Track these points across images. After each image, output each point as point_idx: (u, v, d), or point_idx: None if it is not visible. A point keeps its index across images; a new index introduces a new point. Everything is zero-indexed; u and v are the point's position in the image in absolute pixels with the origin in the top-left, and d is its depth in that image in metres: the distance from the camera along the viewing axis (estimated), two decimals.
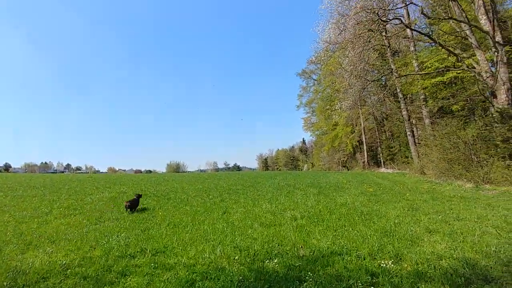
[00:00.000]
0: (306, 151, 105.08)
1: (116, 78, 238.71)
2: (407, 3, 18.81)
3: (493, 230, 5.56)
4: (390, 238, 5.19)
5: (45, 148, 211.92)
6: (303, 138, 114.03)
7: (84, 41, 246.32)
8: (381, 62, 31.31)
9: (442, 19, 16.58)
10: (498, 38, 14.26)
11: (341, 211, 7.87)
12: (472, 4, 15.99)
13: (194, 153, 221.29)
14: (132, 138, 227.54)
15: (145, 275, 3.97)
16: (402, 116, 27.73)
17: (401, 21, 17.24)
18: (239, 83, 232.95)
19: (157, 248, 5.11)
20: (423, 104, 24.68)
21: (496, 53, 14.21)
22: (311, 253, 4.57)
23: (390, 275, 3.64)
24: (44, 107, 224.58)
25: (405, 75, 23.63)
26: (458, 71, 18.51)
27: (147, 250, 4.99)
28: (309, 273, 3.79)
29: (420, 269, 3.79)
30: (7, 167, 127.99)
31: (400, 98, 27.09)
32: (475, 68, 15.34)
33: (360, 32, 16.81)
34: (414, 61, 24.33)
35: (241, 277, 3.70)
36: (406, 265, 3.96)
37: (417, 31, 20.31)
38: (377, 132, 43.03)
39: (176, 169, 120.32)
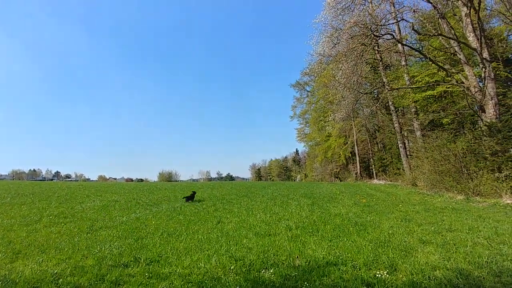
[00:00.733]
0: (299, 161, 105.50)
1: (106, 85, 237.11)
2: (398, 19, 19.37)
3: (484, 241, 5.65)
4: (385, 248, 5.23)
5: (33, 155, 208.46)
6: (297, 149, 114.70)
7: (73, 47, 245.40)
8: (373, 76, 31.94)
9: (432, 35, 17.10)
10: (486, 54, 14.75)
11: (336, 222, 7.90)
12: (461, 22, 16.56)
13: (186, 162, 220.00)
14: (123, 146, 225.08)
15: (139, 284, 3.92)
16: (394, 128, 28.17)
17: (393, 36, 17.73)
18: (233, 92, 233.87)
19: (151, 257, 5.05)
20: (414, 117, 25.15)
21: (483, 69, 14.68)
22: (307, 263, 4.57)
23: (386, 285, 3.66)
24: (30, 113, 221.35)
25: (396, 88, 24.13)
26: (448, 86, 19.00)
27: (141, 259, 4.92)
28: (305, 283, 3.79)
29: (415, 279, 3.83)
30: None
31: (392, 110, 27.58)
32: (464, 83, 15.79)
33: (353, 46, 17.21)
34: (405, 75, 24.91)
35: (237, 287, 3.68)
36: (401, 276, 3.99)
37: (408, 46, 20.89)
38: (369, 144, 43.49)
39: (168, 178, 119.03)
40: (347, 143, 47.45)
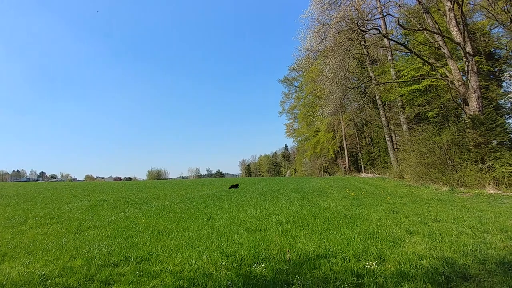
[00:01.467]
0: (289, 157, 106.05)
1: (91, 83, 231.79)
2: (384, 14, 19.60)
3: (469, 230, 5.82)
4: (373, 240, 5.33)
5: (15, 155, 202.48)
6: (286, 144, 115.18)
7: (58, 43, 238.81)
8: (360, 70, 32.28)
9: (417, 30, 17.35)
10: (469, 48, 15.07)
11: (325, 215, 7.99)
12: (444, 17, 16.84)
13: (175, 159, 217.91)
14: (111, 145, 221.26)
15: (130, 283, 3.88)
16: (381, 122, 28.60)
17: (379, 31, 17.91)
18: (222, 88, 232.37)
19: (142, 255, 5.00)
20: (400, 111, 25.58)
21: (467, 62, 15.00)
22: (298, 257, 4.62)
23: (375, 276, 3.73)
24: (10, 112, 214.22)
25: (383, 83, 24.45)
26: (433, 80, 19.37)
27: (131, 258, 4.88)
28: (296, 276, 3.83)
29: (402, 269, 3.92)
30: None
31: (379, 105, 27.97)
32: (448, 77, 16.11)
33: (340, 41, 17.32)
34: (391, 70, 25.25)
35: (229, 282, 3.68)
36: (389, 266, 4.08)
37: (394, 40, 21.14)
38: (357, 138, 44.08)
39: (157, 176, 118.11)
40: (335, 137, 47.94)
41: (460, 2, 15.18)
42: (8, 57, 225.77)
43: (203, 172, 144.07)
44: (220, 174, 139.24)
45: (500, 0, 19.42)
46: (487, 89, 21.46)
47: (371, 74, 27.28)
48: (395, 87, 24.75)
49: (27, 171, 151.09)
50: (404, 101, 25.68)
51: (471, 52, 15.12)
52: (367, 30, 17.61)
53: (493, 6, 19.99)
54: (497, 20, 21.87)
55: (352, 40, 17.30)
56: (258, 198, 13.22)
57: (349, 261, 4.32)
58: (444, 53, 16.64)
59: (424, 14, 17.37)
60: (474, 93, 14.64)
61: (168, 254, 5.09)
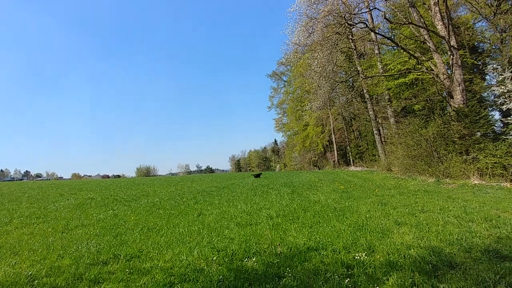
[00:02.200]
0: (278, 151, 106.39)
1: (77, 79, 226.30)
2: (371, 8, 19.70)
3: (454, 220, 5.96)
4: (363, 231, 5.41)
5: None
6: (275, 139, 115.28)
7: (43, 39, 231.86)
8: (348, 64, 32.50)
9: (403, 24, 17.54)
10: (453, 42, 15.34)
11: (315, 209, 8.06)
12: (430, 11, 17.06)
13: (164, 156, 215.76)
14: (97, 142, 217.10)
15: (120, 281, 3.84)
16: (369, 116, 28.94)
17: (366, 25, 18.02)
18: (211, 84, 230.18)
19: (131, 253, 4.94)
20: (388, 104, 25.94)
21: (451, 56, 15.28)
22: (289, 250, 4.65)
23: (365, 266, 3.79)
24: None
25: (370, 77, 24.70)
26: (419, 73, 19.67)
27: (120, 255, 4.81)
28: (287, 269, 3.85)
29: (391, 259, 3.99)
30: None
31: (367, 98, 28.28)
32: (433, 70, 16.39)
33: (328, 35, 17.36)
34: (378, 64, 25.52)
35: (220, 277, 3.68)
36: (378, 256, 4.15)
37: (380, 34, 21.33)
38: (346, 132, 44.54)
39: (146, 173, 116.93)
40: (324, 131, 48.35)
41: None
42: None
43: (193, 168, 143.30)
44: (210, 170, 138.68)
45: None
46: (471, 82, 21.94)
47: (358, 68, 27.50)
48: (382, 80, 25.04)
49: (11, 171, 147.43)
50: (391, 94, 26.03)
51: (456, 46, 15.39)
52: (354, 24, 17.70)
53: (477, 0, 20.37)
54: (480, 14, 22.32)
55: (340, 34, 17.36)
56: (249, 193, 13.24)
57: (339, 253, 4.37)
58: (429, 47, 16.89)
59: (410, 8, 17.56)
60: (459, 86, 14.94)
61: (159, 250, 5.05)
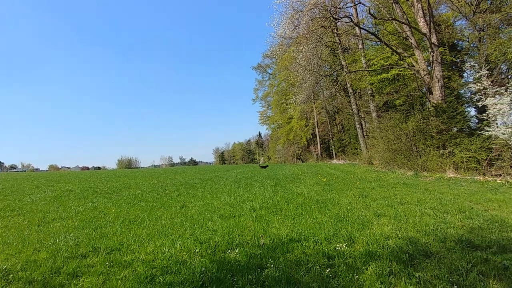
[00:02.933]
0: (262, 144, 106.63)
1: (55, 66, 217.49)
2: (356, 2, 19.89)
3: (430, 211, 6.19)
4: (344, 223, 5.53)
5: None
6: (259, 132, 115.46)
7: (18, 25, 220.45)
8: (333, 58, 32.74)
9: (387, 20, 17.79)
10: (434, 39, 15.71)
11: (298, 201, 8.17)
12: (412, 7, 17.36)
13: (147, 148, 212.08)
14: (77, 133, 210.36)
15: (100, 274, 3.76)
16: (352, 110, 29.39)
17: (351, 19, 18.16)
18: (196, 76, 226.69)
19: (112, 246, 4.86)
20: (370, 99, 26.40)
21: (432, 53, 15.66)
22: (271, 242, 4.70)
23: (345, 257, 3.88)
24: None
25: (354, 71, 25.01)
26: (400, 69, 20.07)
27: (100, 248, 4.72)
28: (270, 260, 3.89)
29: (370, 249, 4.11)
30: None
31: (350, 93, 28.67)
32: (414, 66, 16.76)
33: (313, 28, 17.39)
34: (362, 58, 25.84)
35: (203, 269, 3.68)
36: (358, 247, 4.26)
37: (364, 29, 21.57)
38: (329, 125, 45.10)
39: (128, 165, 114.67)
40: (308, 125, 48.78)
41: None
42: None
43: (176, 160, 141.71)
44: (193, 162, 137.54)
45: None
46: (449, 79, 22.57)
47: (342, 63, 27.78)
48: (366, 75, 25.40)
49: None
50: (373, 89, 26.48)
51: (436, 43, 15.77)
52: (339, 18, 17.82)
53: None
54: (460, 13, 22.93)
55: (325, 27, 17.44)
56: (232, 185, 13.24)
57: (321, 244, 4.45)
58: (411, 43, 17.23)
59: (393, 4, 17.79)
60: (438, 82, 15.37)
61: (140, 243, 4.98)
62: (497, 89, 11.92)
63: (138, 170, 45.99)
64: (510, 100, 11.26)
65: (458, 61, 25.44)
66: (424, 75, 16.08)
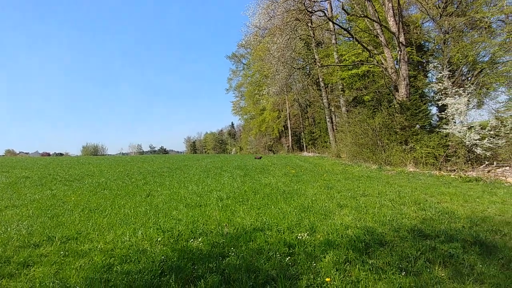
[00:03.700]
0: (235, 135, 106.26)
1: (13, 44, 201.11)
2: None
3: (389, 203, 6.52)
4: (307, 213, 5.68)
5: None
6: (232, 122, 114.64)
7: None
8: (306, 52, 33.05)
9: (359, 16, 18.20)
10: (402, 39, 16.32)
11: (265, 191, 8.26)
12: (384, 6, 17.87)
13: (115, 135, 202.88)
14: (38, 116, 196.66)
15: (53, 264, 3.59)
16: (323, 103, 30.00)
17: (325, 13, 18.36)
18: (169, 62, 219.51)
19: (68, 235, 4.64)
20: (340, 94, 27.08)
21: (399, 52, 16.29)
22: (235, 231, 4.72)
23: (305, 245, 3.99)
24: None
25: (326, 66, 25.47)
26: (370, 66, 20.72)
27: (55, 237, 4.49)
28: (232, 248, 3.92)
29: (330, 238, 4.25)
30: None
31: (322, 86, 29.21)
32: (383, 64, 17.37)
33: (287, 20, 17.40)
34: (335, 53, 26.33)
35: (163, 257, 3.62)
36: (319, 236, 4.39)
37: (337, 25, 21.95)
38: (301, 118, 45.80)
39: (94, 152, 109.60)
40: (280, 117, 49.26)
41: None
42: None
43: (146, 148, 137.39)
44: (164, 151, 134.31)
45: None
46: (415, 78, 23.63)
47: (316, 56, 28.16)
48: (337, 70, 25.95)
49: None
50: (344, 84, 27.15)
51: (404, 43, 16.41)
52: (313, 12, 17.95)
53: (426, 1, 21.74)
54: (428, 15, 23.90)
55: (299, 20, 17.52)
56: (201, 174, 13.13)
57: (283, 233, 4.54)
58: (381, 41, 17.78)
59: (366, 1, 18.20)
60: (404, 80, 16.05)
61: (100, 232, 4.81)
62: (456, 89, 12.67)
63: (104, 158, 44.23)
64: (467, 100, 12.03)
65: (424, 61, 26.66)
66: (392, 73, 16.71)
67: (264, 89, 27.51)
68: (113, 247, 4.12)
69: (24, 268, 3.53)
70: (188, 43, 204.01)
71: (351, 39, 24.50)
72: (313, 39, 28.74)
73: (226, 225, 4.91)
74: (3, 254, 3.91)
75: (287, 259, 3.57)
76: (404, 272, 3.18)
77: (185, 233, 4.66)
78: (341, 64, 24.03)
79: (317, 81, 32.18)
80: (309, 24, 24.02)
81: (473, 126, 11.92)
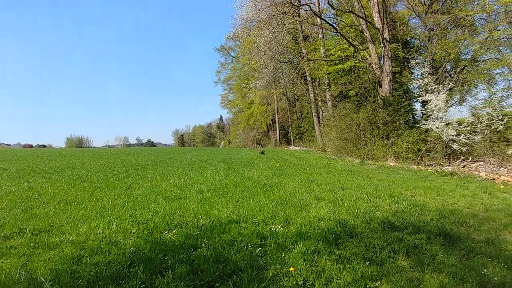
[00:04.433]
0: (223, 128, 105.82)
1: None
2: None
3: (365, 196, 6.68)
4: (284, 206, 5.77)
5: None
6: (221, 115, 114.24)
7: None
8: (294, 46, 33.03)
9: (345, 11, 18.27)
10: (386, 35, 16.52)
11: (246, 184, 8.33)
12: (369, 2, 18.00)
13: (101, 127, 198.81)
14: (20, 105, 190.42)
15: (22, 255, 3.57)
16: (310, 98, 30.16)
17: (311, 8, 18.36)
18: (156, 55, 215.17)
19: (40, 227, 4.60)
20: (327, 88, 27.27)
21: (383, 48, 16.49)
22: (211, 223, 4.77)
23: (277, 237, 4.08)
24: None
25: (313, 60, 25.56)
26: (355, 61, 20.91)
27: (26, 230, 4.44)
28: (205, 240, 3.97)
29: (303, 230, 4.35)
30: None
31: (309, 81, 29.33)
32: (368, 59, 17.56)
33: (275, 13, 17.33)
34: (321, 48, 26.42)
35: (132, 248, 3.64)
36: (292, 228, 4.49)
37: (324, 20, 21.96)
38: (289, 112, 45.92)
39: (78, 144, 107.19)
40: (268, 110, 49.27)
41: None
42: None
43: (133, 141, 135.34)
44: (151, 144, 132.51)
45: None
46: (401, 74, 24.01)
47: (303, 50, 28.20)
48: (324, 65, 26.07)
49: None
50: (330, 79, 27.34)
51: (388, 39, 16.61)
52: (300, 6, 17.92)
53: None
54: (414, 11, 24.18)
55: (286, 13, 17.46)
56: (185, 167, 13.09)
57: (258, 225, 4.62)
58: (366, 37, 17.94)
59: None
60: (387, 76, 16.30)
61: (73, 224, 4.78)
62: (436, 86, 12.96)
63: (87, 150, 43.39)
64: (446, 97, 12.33)
65: (410, 57, 27.08)
66: (376, 68, 16.93)
67: (252, 83, 27.42)
68: (85, 239, 4.11)
69: None
70: (176, 35, 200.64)
71: (337, 34, 24.61)
72: (300, 33, 28.75)
73: (201, 217, 4.94)
74: None
75: (258, 250, 3.64)
76: (369, 262, 3.30)
77: (161, 225, 4.68)
78: (327, 59, 24.15)
79: (304, 75, 32.27)
80: (296, 18, 23.96)
81: (450, 123, 12.25)
